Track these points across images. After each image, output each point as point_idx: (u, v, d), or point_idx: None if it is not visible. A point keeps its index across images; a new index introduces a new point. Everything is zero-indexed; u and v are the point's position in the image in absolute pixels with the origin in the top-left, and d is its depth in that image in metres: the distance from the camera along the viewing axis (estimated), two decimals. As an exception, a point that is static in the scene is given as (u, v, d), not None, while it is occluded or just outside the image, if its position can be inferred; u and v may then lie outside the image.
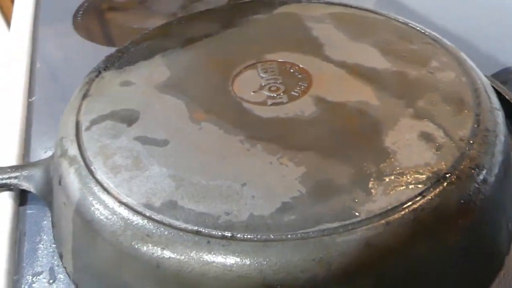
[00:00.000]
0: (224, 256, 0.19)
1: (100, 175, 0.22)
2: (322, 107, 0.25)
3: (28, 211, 0.29)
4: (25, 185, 0.29)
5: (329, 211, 0.20)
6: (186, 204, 0.21)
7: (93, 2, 0.53)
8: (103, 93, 0.28)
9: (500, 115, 0.25)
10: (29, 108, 0.38)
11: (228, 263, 0.18)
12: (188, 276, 0.19)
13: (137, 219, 0.20)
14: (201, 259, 0.19)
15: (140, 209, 0.20)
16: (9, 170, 0.30)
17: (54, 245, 0.26)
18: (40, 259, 0.25)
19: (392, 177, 0.21)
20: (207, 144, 0.24)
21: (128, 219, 0.20)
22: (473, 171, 0.21)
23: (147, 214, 0.20)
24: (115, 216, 0.21)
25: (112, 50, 0.32)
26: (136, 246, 0.20)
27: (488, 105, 0.25)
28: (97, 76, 0.29)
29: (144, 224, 0.20)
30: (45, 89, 0.40)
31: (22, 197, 0.30)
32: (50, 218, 0.27)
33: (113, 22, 0.51)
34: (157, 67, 0.30)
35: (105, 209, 0.21)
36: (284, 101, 0.26)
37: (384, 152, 0.22)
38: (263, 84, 0.28)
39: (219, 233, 0.19)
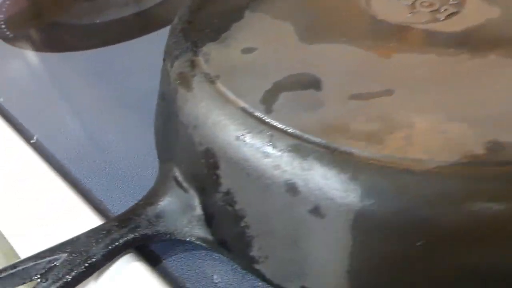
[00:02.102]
0: None
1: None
2: (502, 4, 0.22)
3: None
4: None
5: None
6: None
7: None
8: (236, 69, 0.20)
9: None
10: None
11: None
12: None
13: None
14: None
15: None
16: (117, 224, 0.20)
17: None
18: None
19: None
20: (441, 76, 0.19)
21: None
22: None
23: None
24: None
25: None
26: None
27: None
28: (195, 55, 0.21)
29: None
30: None
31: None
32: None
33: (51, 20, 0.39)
34: (260, 25, 0.23)
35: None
36: (454, 12, 0.22)
37: None
38: (409, 4, 0.23)
39: None
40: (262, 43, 0.22)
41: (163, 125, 0.23)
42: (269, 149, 0.17)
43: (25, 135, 0.28)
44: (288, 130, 0.17)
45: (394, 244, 0.15)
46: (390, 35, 0.21)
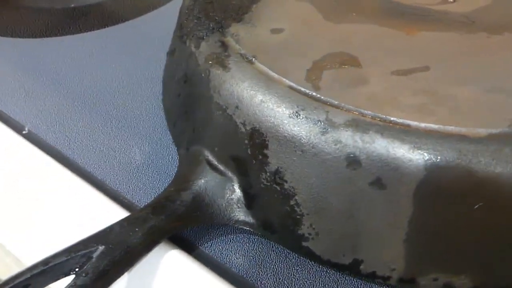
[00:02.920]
0: None
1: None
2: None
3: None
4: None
5: None
6: None
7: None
8: (270, 49, 0.20)
9: None
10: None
11: None
12: None
13: None
14: None
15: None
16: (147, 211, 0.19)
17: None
18: None
19: None
20: (469, 51, 0.20)
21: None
22: None
23: None
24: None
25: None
26: None
27: None
28: (223, 36, 0.21)
29: None
30: None
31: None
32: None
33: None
34: (281, 6, 0.23)
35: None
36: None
37: None
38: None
39: None
40: (288, 24, 0.22)
41: (187, 109, 0.22)
42: (327, 125, 0.17)
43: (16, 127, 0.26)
44: (343, 106, 0.17)
45: (452, 210, 0.16)
46: (408, 16, 0.22)
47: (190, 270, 0.20)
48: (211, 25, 0.21)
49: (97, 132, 0.26)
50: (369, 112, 0.17)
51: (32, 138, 0.25)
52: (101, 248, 0.19)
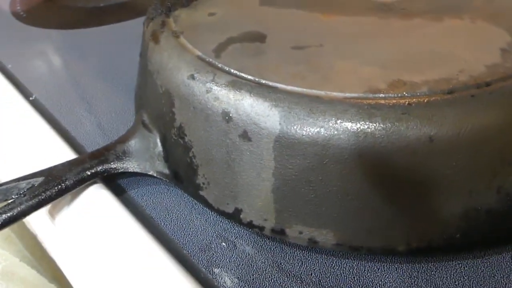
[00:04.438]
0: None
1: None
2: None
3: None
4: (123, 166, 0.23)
5: None
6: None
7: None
8: (198, 27, 0.24)
9: None
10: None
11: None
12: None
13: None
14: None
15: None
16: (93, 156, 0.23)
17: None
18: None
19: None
20: (374, 32, 0.21)
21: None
22: None
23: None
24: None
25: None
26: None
27: None
28: (167, 17, 0.25)
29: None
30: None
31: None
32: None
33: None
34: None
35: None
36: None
37: None
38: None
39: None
40: (225, 8, 0.25)
41: (139, 79, 0.26)
42: (212, 85, 0.20)
43: (25, 94, 0.32)
44: (228, 69, 0.20)
45: (307, 164, 0.18)
46: (332, 2, 0.24)
47: (115, 211, 0.23)
48: (161, 10, 0.25)
49: (84, 101, 0.31)
50: (247, 75, 0.19)
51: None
52: (41, 179, 0.23)
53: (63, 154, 0.26)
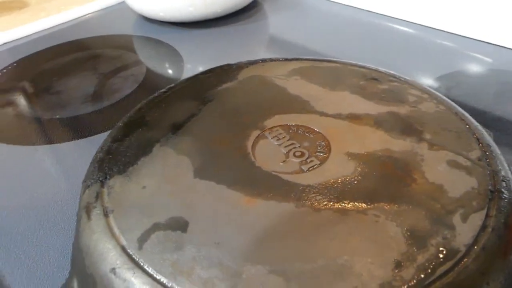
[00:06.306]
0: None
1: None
2: (357, 161, 0.27)
3: None
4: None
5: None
6: None
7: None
8: (128, 206, 0.25)
9: (480, 127, 0.30)
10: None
11: None
12: None
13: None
14: None
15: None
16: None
17: None
18: None
19: (459, 208, 0.24)
20: (287, 228, 0.23)
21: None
22: (503, 182, 0.25)
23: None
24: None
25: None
26: None
27: (473, 122, 0.30)
28: (102, 186, 0.26)
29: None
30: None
31: None
32: None
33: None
34: (163, 160, 0.28)
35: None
36: (318, 164, 0.27)
37: (436, 188, 0.25)
38: (284, 152, 0.28)
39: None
40: (158, 181, 0.27)
41: (74, 239, 0.27)
42: (130, 285, 0.21)
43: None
44: (147, 268, 0.21)
45: None
46: (261, 184, 0.26)
47: None
48: (98, 175, 0.27)
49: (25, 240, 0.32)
50: (163, 278, 0.21)
51: None
52: None
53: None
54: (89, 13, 0.65)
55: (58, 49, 0.58)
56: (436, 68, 0.48)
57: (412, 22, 0.58)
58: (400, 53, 0.52)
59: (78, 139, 0.40)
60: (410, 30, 0.57)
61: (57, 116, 0.43)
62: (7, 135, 0.41)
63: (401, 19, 0.59)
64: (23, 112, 0.45)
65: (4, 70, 0.52)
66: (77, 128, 0.41)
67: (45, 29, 0.62)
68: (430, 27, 0.57)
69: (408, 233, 0.22)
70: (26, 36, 0.61)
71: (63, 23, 0.63)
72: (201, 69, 0.38)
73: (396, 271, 0.20)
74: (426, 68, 0.49)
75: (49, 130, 0.42)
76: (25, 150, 0.40)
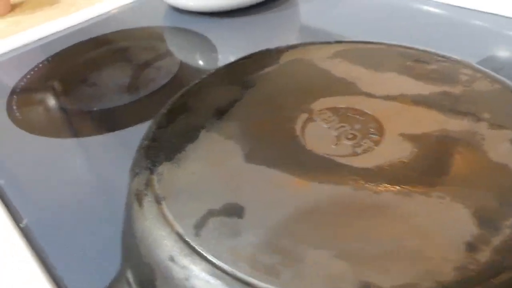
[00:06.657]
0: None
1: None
2: (413, 143, 0.26)
3: None
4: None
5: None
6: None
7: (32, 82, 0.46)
8: (180, 192, 0.24)
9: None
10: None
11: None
12: None
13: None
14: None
15: None
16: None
17: None
18: None
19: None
20: (346, 211, 0.22)
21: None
22: None
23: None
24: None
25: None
26: None
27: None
28: (151, 174, 0.26)
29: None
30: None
31: None
32: None
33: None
34: (210, 146, 0.27)
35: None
36: (372, 146, 0.26)
37: (501, 167, 0.24)
38: (336, 135, 0.27)
39: None
40: (208, 166, 0.26)
41: (124, 229, 0.27)
42: (189, 272, 0.21)
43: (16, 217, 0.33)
44: (206, 255, 0.21)
45: None
46: (314, 166, 0.25)
47: None
48: (146, 163, 0.26)
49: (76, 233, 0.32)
50: (224, 264, 0.20)
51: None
52: None
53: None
54: (118, 7, 0.65)
55: (89, 43, 0.58)
56: (478, 50, 0.46)
57: (447, 4, 0.56)
58: (438, 36, 0.50)
59: (118, 130, 0.40)
60: (446, 12, 0.55)
61: (95, 109, 0.43)
62: (47, 129, 0.42)
63: (436, 1, 0.57)
64: (62, 106, 0.45)
65: (40, 65, 0.53)
66: (116, 119, 0.41)
67: (76, 24, 0.62)
68: (469, 8, 0.54)
69: (478, 215, 0.21)
70: (58, 32, 0.61)
71: (93, 18, 0.63)
72: (235, 57, 0.37)
73: (471, 254, 0.19)
74: (467, 51, 0.47)
75: (87, 122, 0.42)
76: (65, 143, 0.40)
